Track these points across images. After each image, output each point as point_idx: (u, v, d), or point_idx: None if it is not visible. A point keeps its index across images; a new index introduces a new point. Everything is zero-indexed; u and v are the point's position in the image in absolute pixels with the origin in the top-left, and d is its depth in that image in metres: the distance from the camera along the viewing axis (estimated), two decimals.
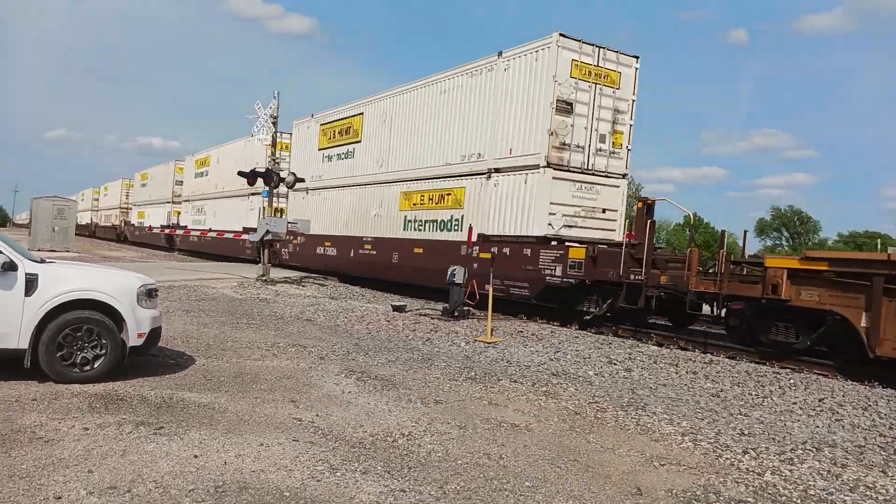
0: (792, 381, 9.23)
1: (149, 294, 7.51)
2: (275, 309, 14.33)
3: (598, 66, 15.76)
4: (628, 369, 9.73)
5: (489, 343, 11.36)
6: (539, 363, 9.88)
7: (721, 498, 4.88)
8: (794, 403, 8.08)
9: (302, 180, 23.42)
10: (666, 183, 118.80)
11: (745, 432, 6.72)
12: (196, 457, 4.97)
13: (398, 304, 15.71)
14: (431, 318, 14.08)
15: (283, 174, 21.87)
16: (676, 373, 9.63)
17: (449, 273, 14.75)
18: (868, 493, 5.18)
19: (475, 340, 11.54)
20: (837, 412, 7.72)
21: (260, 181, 21.68)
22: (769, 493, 5.05)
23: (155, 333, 7.60)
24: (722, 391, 8.65)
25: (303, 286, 19.99)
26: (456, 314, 14.43)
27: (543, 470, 5.25)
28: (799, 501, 4.93)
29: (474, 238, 16.89)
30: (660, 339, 13.03)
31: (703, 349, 12.15)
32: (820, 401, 8.19)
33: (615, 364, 10.03)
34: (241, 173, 21.88)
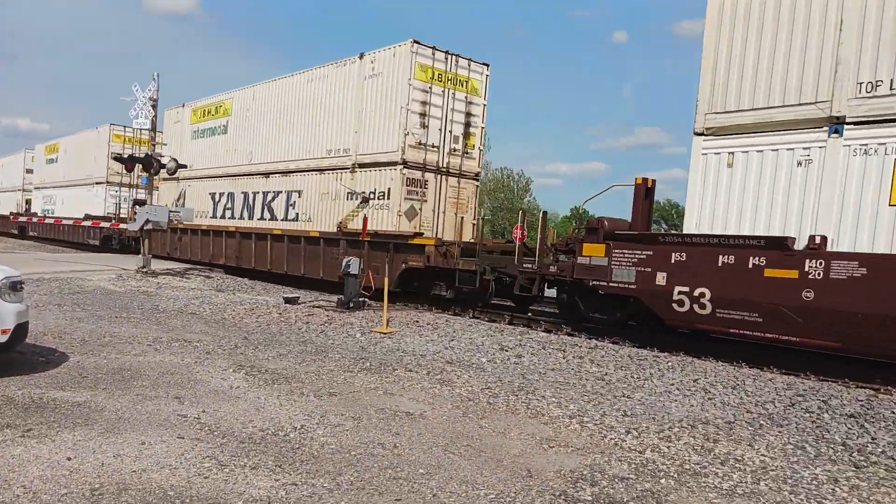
0: (670, 363, 9.78)
1: (12, 287, 6.95)
2: (157, 302, 13.65)
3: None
4: (519, 356, 9.97)
5: (385, 333, 11.33)
6: (434, 352, 9.95)
7: (606, 476, 5.10)
8: (672, 384, 8.56)
9: (184, 166, 22.46)
10: (553, 177, 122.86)
11: (628, 413, 7.05)
12: (70, 459, 4.65)
13: (290, 295, 15.36)
14: (326, 310, 13.87)
15: (164, 160, 20.82)
16: (564, 358, 9.96)
17: (344, 264, 14.63)
18: (737, 465, 5.56)
19: (371, 331, 11.47)
20: (710, 391, 8.24)
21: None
22: (649, 470, 5.33)
23: (21, 329, 7.05)
24: (607, 374, 9.03)
25: (187, 278, 19.16)
26: (351, 305, 14.28)
27: (437, 456, 5.30)
28: (676, 475, 5.23)
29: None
30: (548, 326, 13.47)
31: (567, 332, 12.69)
32: (695, 381, 8.72)
33: (506, 351, 10.26)
34: (118, 159, 20.69)
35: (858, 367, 9.68)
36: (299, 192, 19.61)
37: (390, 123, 16.46)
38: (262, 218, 21.29)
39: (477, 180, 18.04)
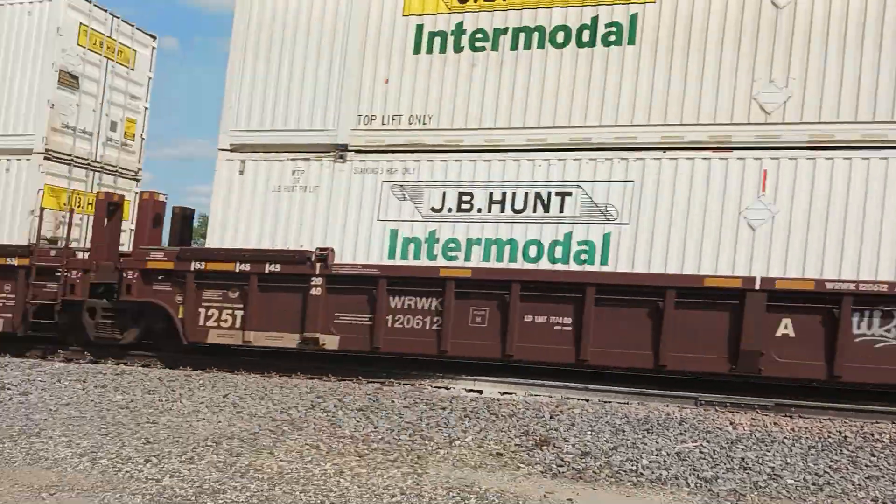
0: (201, 381, 9.64)
1: None
2: None
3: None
4: (25, 393, 8.66)
5: None
6: None
7: None
8: (202, 403, 8.45)
9: None
10: None
11: (150, 440, 6.70)
12: None
13: None
14: None
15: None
16: (83, 389, 9.00)
17: None
18: (256, 475, 5.75)
19: None
20: (239, 405, 8.39)
21: None
22: (166, 497, 5.13)
23: None
24: (132, 401, 8.46)
25: None
26: None
27: None
28: (194, 498, 5.14)
29: None
30: (67, 356, 11.95)
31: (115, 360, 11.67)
32: (224, 397, 8.77)
33: (9, 389, 8.81)
34: None
35: (376, 367, 10.87)
36: None
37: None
38: None
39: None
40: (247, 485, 5.48)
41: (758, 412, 8.42)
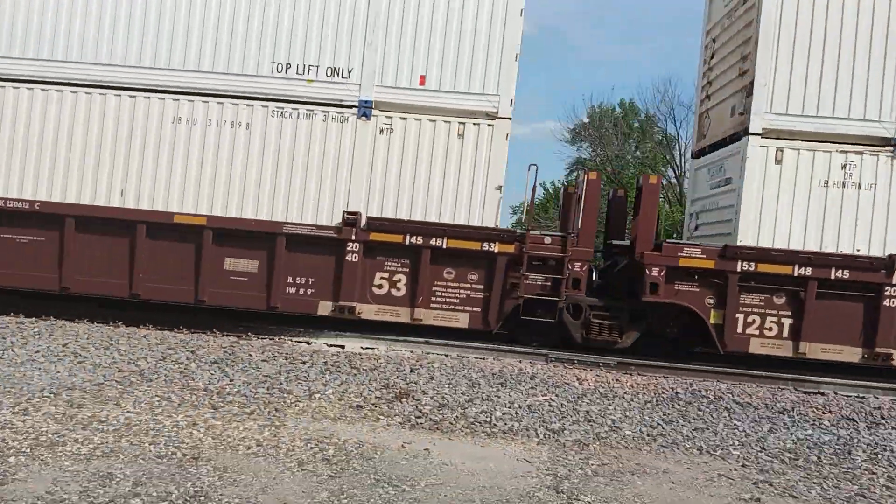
0: (36, 329, 8.91)
1: None
2: None
3: None
4: None
5: None
6: None
7: None
8: (38, 352, 7.81)
9: None
10: None
11: None
12: None
13: None
14: None
15: None
16: None
17: None
18: (100, 426, 5.41)
19: None
20: (81, 354, 7.83)
21: None
22: None
23: None
24: None
25: None
26: None
27: None
28: (28, 450, 4.76)
29: None
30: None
31: None
32: (64, 345, 8.16)
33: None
34: None
35: (227, 321, 10.49)
36: None
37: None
38: None
39: None
40: (89, 437, 5.15)
41: (602, 369, 9.02)
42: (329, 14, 9.51)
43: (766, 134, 9.38)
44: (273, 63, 9.58)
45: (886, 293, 9.11)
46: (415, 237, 9.40)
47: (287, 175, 9.58)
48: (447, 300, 9.56)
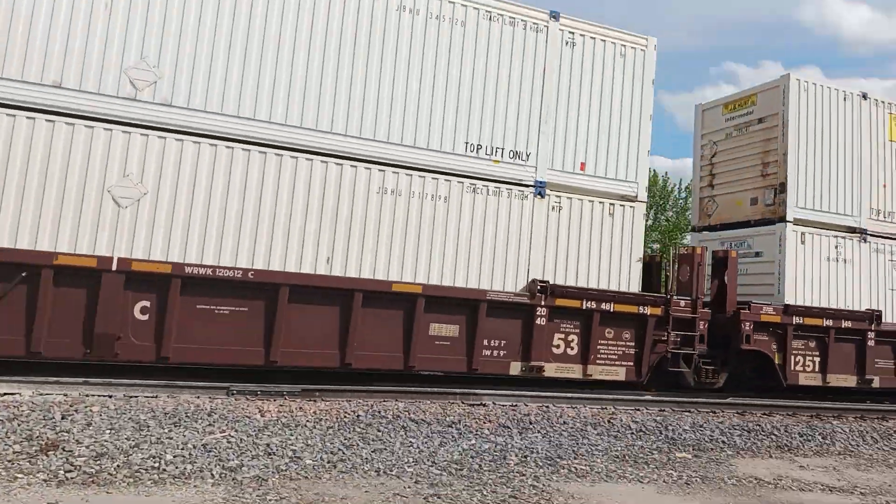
0: None
1: None
2: None
3: None
4: None
5: None
6: None
7: None
8: None
9: None
10: None
11: None
12: None
13: None
14: None
15: None
16: None
17: None
18: None
19: None
20: None
21: None
22: None
23: None
24: None
25: None
26: None
27: None
28: None
29: None
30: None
31: None
32: None
33: None
34: None
35: None
36: None
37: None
38: None
39: None
40: None
41: (286, 398, 8.84)
42: (511, 104, 10.86)
43: (796, 222, 12.92)
44: (466, 143, 10.53)
45: (869, 336, 13.02)
46: (590, 302, 10.84)
47: (479, 246, 10.51)
48: (608, 356, 11.09)
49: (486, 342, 10.36)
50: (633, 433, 8.78)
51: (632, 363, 11.29)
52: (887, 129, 14.13)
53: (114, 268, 8.53)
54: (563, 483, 6.50)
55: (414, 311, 9.90)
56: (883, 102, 14.18)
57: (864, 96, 13.98)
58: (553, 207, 11.04)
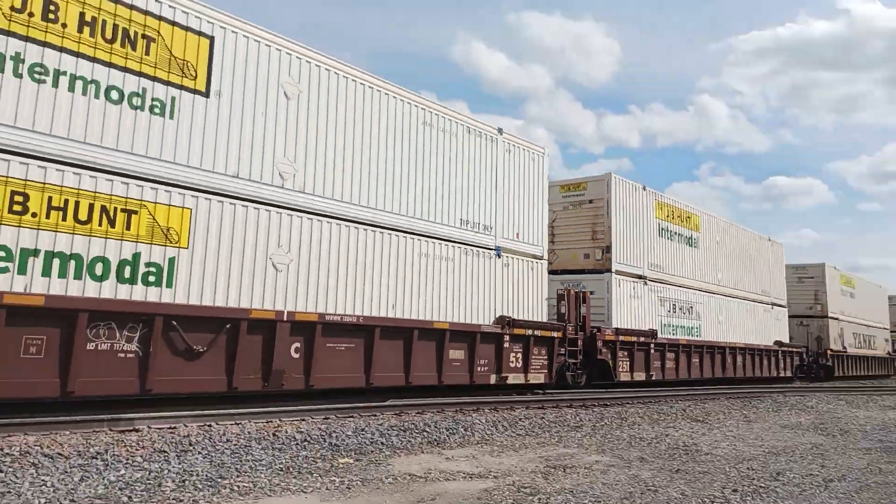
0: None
1: None
2: None
3: None
4: None
5: None
6: None
7: None
8: None
9: None
10: None
11: None
12: None
13: None
14: None
15: None
16: None
17: None
18: None
19: None
20: None
21: None
22: None
23: None
24: None
25: None
26: None
27: None
28: None
29: None
30: None
31: None
32: None
33: None
34: None
35: None
36: None
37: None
38: None
39: None
40: None
41: None
42: (478, 190, 15.42)
43: (616, 272, 19.76)
44: (460, 219, 14.86)
45: (652, 346, 20.46)
46: (529, 329, 15.77)
47: (470, 292, 14.84)
48: (536, 367, 16.03)
49: (480, 361, 14.67)
50: (297, 444, 8.68)
51: (547, 371, 16.28)
52: (654, 210, 21.82)
53: (285, 318, 11.11)
54: (225, 503, 6.02)
55: (444, 341, 13.86)
56: (652, 191, 21.68)
57: (644, 188, 21.40)
58: (505, 264, 15.86)
